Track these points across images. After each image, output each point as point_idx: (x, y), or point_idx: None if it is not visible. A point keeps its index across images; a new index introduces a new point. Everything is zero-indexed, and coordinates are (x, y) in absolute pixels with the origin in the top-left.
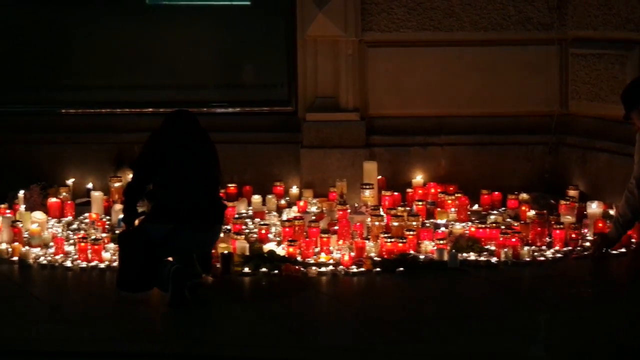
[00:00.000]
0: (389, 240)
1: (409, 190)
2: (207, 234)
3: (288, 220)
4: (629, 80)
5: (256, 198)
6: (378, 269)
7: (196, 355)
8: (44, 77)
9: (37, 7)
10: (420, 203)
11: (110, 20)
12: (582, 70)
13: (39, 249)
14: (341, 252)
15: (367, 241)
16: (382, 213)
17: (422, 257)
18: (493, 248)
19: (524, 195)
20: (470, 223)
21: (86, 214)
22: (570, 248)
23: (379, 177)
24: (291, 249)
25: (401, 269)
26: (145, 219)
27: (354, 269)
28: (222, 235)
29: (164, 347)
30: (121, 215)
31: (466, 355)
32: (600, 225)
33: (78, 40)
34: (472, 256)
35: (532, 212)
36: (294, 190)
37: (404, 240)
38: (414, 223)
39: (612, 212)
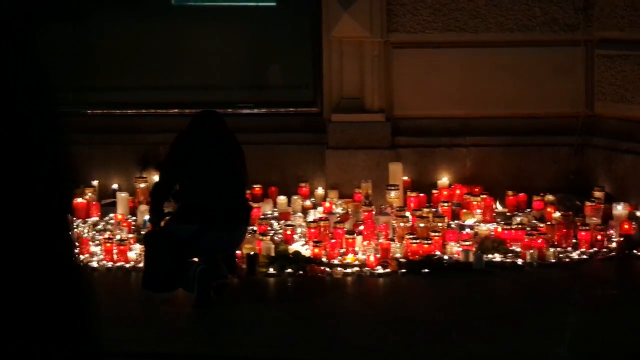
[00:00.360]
0: (414, 241)
1: (434, 191)
2: (233, 235)
3: (313, 221)
4: None
5: (281, 199)
6: (403, 270)
7: (222, 356)
8: (69, 78)
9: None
10: (445, 204)
11: (135, 21)
12: (608, 71)
13: None
14: (366, 253)
15: (392, 242)
16: (407, 214)
17: (447, 258)
18: (518, 249)
19: (550, 197)
20: (495, 224)
21: (112, 215)
22: (595, 249)
23: (405, 178)
24: (316, 250)
25: (426, 270)
26: (171, 219)
27: (379, 270)
28: (247, 236)
29: (189, 348)
30: (147, 216)
31: (491, 356)
32: (626, 226)
33: (103, 41)
34: (498, 257)
35: (557, 214)
36: (320, 191)
37: (430, 242)
38: (440, 224)
39: (638, 213)
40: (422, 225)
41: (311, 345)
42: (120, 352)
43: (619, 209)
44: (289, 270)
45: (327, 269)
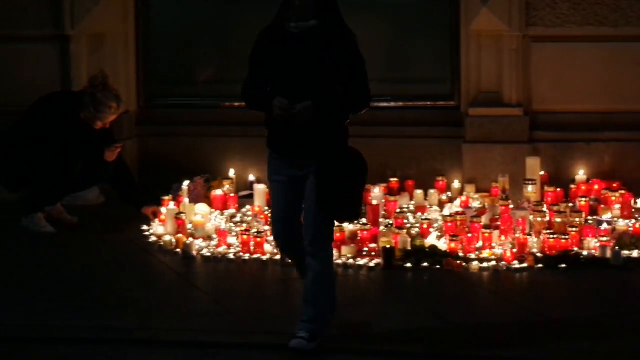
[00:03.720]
0: (551, 236)
1: (572, 186)
2: None
3: (450, 215)
4: None
5: (418, 193)
6: (540, 266)
7: (359, 350)
8: (209, 71)
9: (205, 1)
10: (583, 199)
11: (274, 14)
12: None
13: (202, 240)
14: (503, 248)
15: (529, 237)
16: (544, 209)
17: (584, 254)
18: None
19: None
20: (634, 220)
21: (249, 207)
22: None
23: (542, 172)
24: (453, 244)
25: (563, 265)
26: None
27: (516, 265)
28: (382, 229)
29: (327, 341)
30: None
31: (624, 353)
32: None
33: (244, 33)
34: (636, 254)
35: None
36: (456, 185)
37: (567, 237)
38: (577, 219)
39: None
40: (559, 220)
41: (446, 339)
42: (257, 344)
43: None
44: (425, 264)
45: (464, 264)
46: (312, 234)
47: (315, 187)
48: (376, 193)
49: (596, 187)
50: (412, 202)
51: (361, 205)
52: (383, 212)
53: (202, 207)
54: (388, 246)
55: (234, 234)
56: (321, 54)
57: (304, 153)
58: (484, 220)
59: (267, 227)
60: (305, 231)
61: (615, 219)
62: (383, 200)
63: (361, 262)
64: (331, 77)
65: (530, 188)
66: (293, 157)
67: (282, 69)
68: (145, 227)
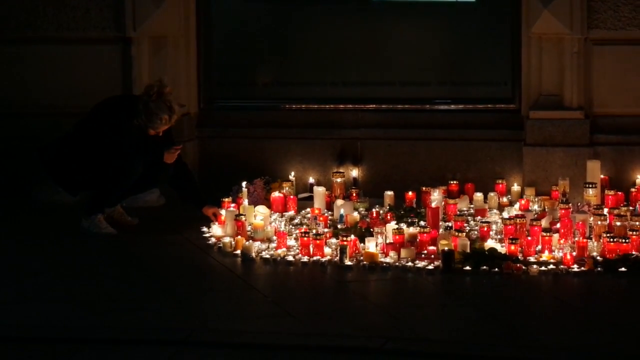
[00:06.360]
0: (611, 240)
1: (632, 190)
2: None
3: (510, 218)
4: None
5: (478, 196)
6: (600, 269)
7: (415, 352)
8: (269, 73)
9: (265, 5)
10: None
11: (335, 17)
12: None
13: (261, 242)
14: (563, 251)
15: (589, 240)
16: (604, 212)
17: None
18: None
19: None
20: None
21: (308, 209)
22: None
23: (602, 176)
24: (512, 247)
25: (623, 269)
26: None
27: (575, 268)
28: (442, 231)
29: (383, 343)
30: (343, 210)
31: None
32: None
33: (304, 36)
34: None
35: None
36: (516, 188)
37: (627, 240)
38: (637, 223)
39: None
40: (619, 223)
41: (505, 342)
42: (316, 346)
43: None
44: (484, 267)
45: (523, 267)
46: None
47: None
48: (436, 196)
49: None
50: (472, 205)
51: None
52: (442, 215)
53: (261, 209)
54: (447, 249)
55: (293, 235)
56: None
57: None
58: (544, 223)
59: (326, 230)
60: None
61: None
62: (442, 203)
63: (420, 264)
64: None
65: (590, 191)
66: None
67: None
68: (204, 229)
